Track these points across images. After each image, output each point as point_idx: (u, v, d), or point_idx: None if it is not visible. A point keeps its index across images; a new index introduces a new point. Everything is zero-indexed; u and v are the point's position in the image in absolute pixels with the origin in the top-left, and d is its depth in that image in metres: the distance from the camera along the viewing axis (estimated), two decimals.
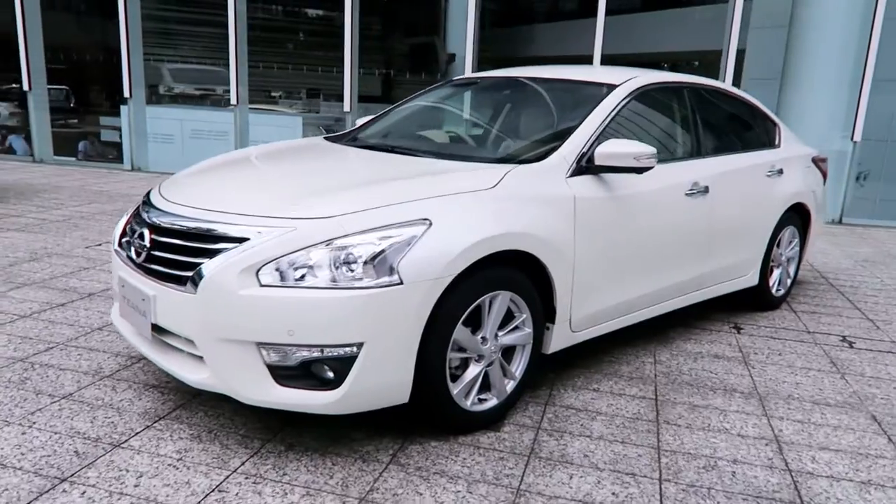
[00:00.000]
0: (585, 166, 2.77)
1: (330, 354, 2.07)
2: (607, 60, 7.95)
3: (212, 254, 2.15)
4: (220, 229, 2.19)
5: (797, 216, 4.22)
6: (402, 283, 2.09)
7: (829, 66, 7.74)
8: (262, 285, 2.07)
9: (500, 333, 2.47)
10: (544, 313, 2.64)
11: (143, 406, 2.52)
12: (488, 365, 2.45)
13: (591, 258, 2.75)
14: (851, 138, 7.69)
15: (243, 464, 2.18)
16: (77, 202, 6.62)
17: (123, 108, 9.49)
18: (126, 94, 9.19)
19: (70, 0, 13.78)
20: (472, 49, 8.31)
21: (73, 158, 10.41)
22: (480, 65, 9.62)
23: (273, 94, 12.10)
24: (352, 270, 2.07)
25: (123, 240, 2.56)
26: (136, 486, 2.02)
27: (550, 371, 3.07)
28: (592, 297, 2.82)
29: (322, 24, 13.33)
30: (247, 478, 2.10)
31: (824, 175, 4.61)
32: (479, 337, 2.39)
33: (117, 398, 2.57)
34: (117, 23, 8.88)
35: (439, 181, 2.42)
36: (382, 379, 2.13)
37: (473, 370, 2.40)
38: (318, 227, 2.13)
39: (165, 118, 9.67)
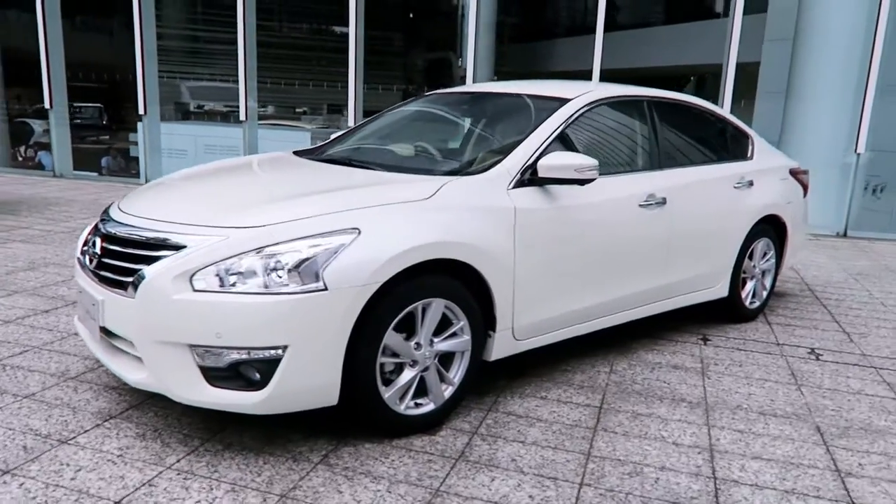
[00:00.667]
0: (529, 179, 2.84)
1: (256, 357, 2.17)
2: (628, 74, 7.97)
3: (152, 261, 2.27)
4: (161, 238, 2.32)
5: (772, 228, 4.22)
6: (326, 289, 2.19)
7: (833, 76, 7.68)
8: (194, 290, 2.18)
9: (436, 340, 2.55)
10: (485, 321, 2.71)
11: (99, 406, 2.65)
12: (424, 370, 2.53)
13: (534, 268, 2.81)
14: (855, 150, 7.60)
15: (178, 461, 2.29)
16: (86, 215, 6.88)
17: (140, 125, 9.82)
18: (141, 111, 9.52)
19: (103, 22, 14.25)
20: (472, 62, 8.43)
21: (94, 173, 10.78)
22: (499, 78, 9.79)
23: (285, 109, 12.38)
24: (279, 277, 2.18)
25: (84, 248, 2.70)
26: (72, 479, 2.14)
27: (502, 379, 3.13)
28: (536, 307, 2.88)
29: (334, 40, 13.59)
30: (178, 474, 2.21)
31: (805, 187, 4.60)
32: (413, 343, 2.47)
33: (76, 398, 2.71)
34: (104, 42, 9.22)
35: (375, 192, 2.52)
36: (308, 381, 2.23)
37: (407, 375, 2.48)
38: (250, 235, 2.24)
39: (179, 134, 9.98)
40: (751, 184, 4.00)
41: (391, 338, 2.39)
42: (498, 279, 2.67)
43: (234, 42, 8.98)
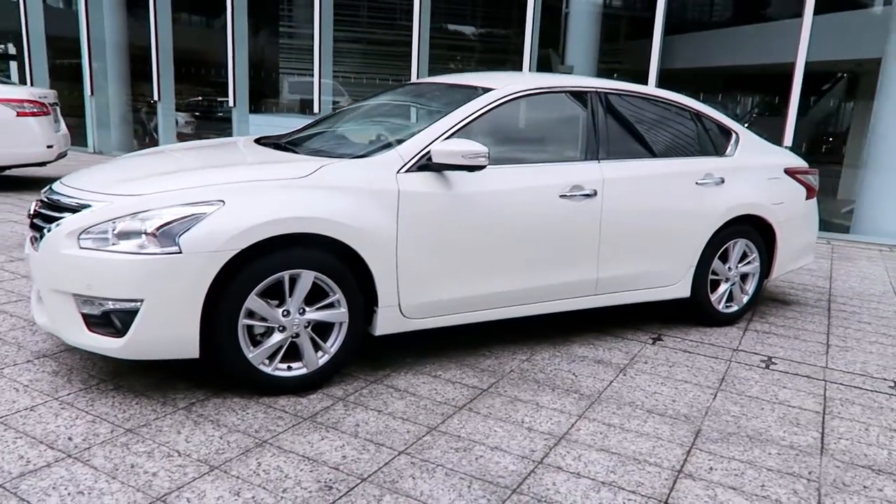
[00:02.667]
0: (426, 164, 2.95)
1: (118, 307, 2.48)
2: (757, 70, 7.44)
3: (58, 221, 2.65)
4: (67, 203, 2.69)
5: (753, 230, 3.98)
6: (181, 252, 2.45)
7: None
8: (80, 248, 2.53)
9: (309, 309, 2.75)
10: (369, 296, 2.86)
11: (42, 347, 3.10)
12: (294, 336, 2.73)
13: (422, 250, 2.92)
14: None
15: (68, 395, 2.65)
16: None
17: (232, 116, 10.73)
18: (231, 102, 10.39)
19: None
20: (529, 57, 8.43)
21: None
22: (600, 76, 9.73)
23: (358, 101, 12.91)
24: (143, 239, 2.47)
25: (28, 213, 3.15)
26: None
27: (411, 355, 3.26)
28: (427, 288, 2.98)
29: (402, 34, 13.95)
30: (60, 404, 2.57)
31: (808, 188, 4.27)
32: (282, 309, 2.68)
33: (28, 339, 3.18)
34: (267, 42, 10.04)
35: (256, 170, 2.75)
36: (164, 333, 2.50)
37: (276, 339, 2.70)
38: (129, 202, 2.55)
39: (265, 125, 10.77)
40: (721, 181, 3.81)
41: (254, 302, 2.61)
42: (377, 257, 2.81)
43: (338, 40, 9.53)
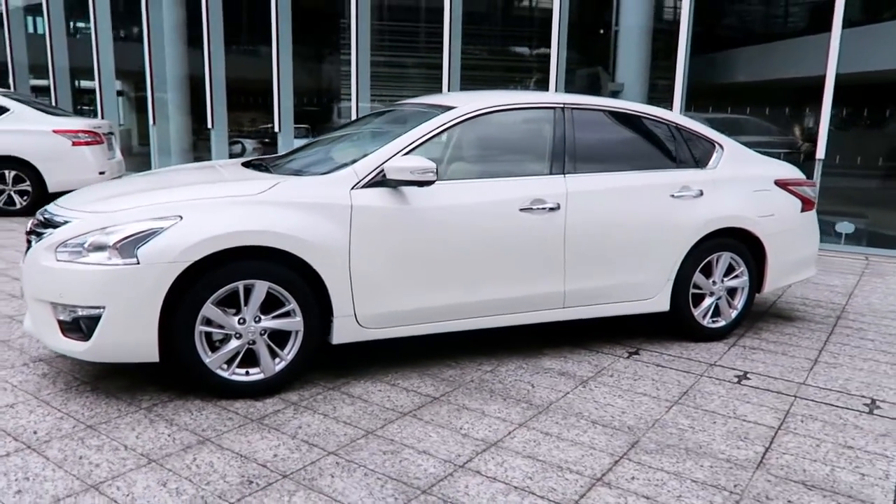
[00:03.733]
0: (381, 180, 3.10)
1: (84, 314, 2.73)
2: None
3: (41, 236, 2.94)
4: (53, 219, 2.98)
5: (740, 243, 3.91)
6: (138, 263, 2.68)
7: None
8: (57, 260, 2.80)
9: (265, 318, 2.92)
10: (326, 306, 3.02)
11: (39, 352, 3.41)
12: (251, 343, 2.91)
13: (376, 263, 3.05)
14: None
15: (48, 394, 2.92)
16: None
17: (278, 140, 11.23)
18: (276, 128, 10.89)
19: (309, 50, 16.25)
20: (556, 75, 8.49)
21: None
22: (651, 94, 9.72)
23: None
24: (106, 252, 2.72)
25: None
26: None
27: (376, 364, 3.38)
28: (383, 299, 3.11)
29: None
30: (38, 402, 2.83)
31: (803, 200, 4.16)
32: (238, 318, 2.87)
33: (29, 346, 3.49)
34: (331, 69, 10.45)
35: (216, 188, 2.97)
36: (124, 337, 2.73)
37: (232, 345, 2.89)
38: (98, 219, 2.81)
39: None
40: (700, 193, 3.77)
41: (211, 310, 2.81)
42: (330, 269, 2.97)
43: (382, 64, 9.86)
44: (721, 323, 3.98)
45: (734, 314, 4.01)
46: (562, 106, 3.61)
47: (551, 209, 3.38)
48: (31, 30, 16.21)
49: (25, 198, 7.70)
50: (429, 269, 3.18)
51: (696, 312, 3.89)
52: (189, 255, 2.72)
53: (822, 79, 7.02)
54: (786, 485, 2.39)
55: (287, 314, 2.96)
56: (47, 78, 14.29)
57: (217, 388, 2.92)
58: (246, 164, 3.81)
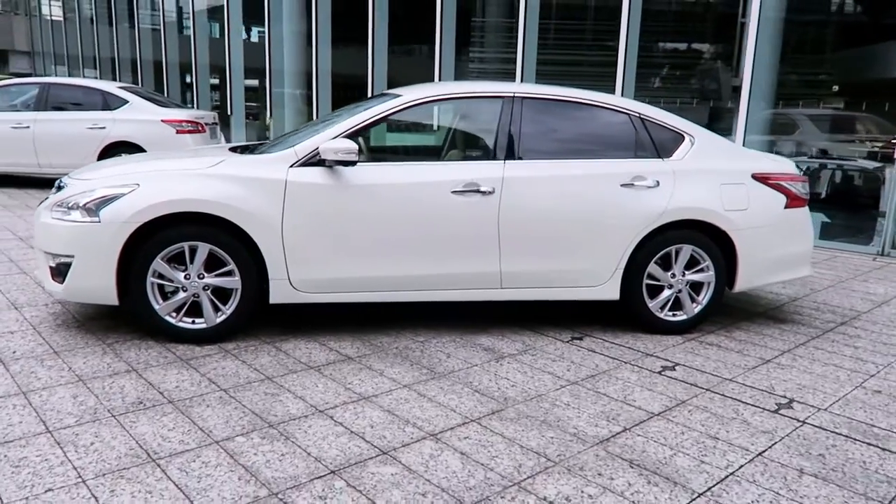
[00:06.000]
0: (318, 160, 3.45)
1: (62, 261, 3.34)
2: None
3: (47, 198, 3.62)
4: (60, 184, 3.65)
5: (705, 236, 3.81)
6: (100, 221, 3.24)
7: None
8: (52, 218, 3.45)
9: (208, 275, 3.39)
10: (262, 270, 3.43)
11: (56, 309, 4.13)
12: (195, 297, 3.39)
13: (307, 233, 3.41)
14: None
15: (45, 327, 3.58)
16: None
17: None
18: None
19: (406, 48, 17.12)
20: (624, 71, 8.33)
21: None
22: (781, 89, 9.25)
23: None
24: (79, 211, 3.31)
25: None
26: None
27: (323, 327, 3.74)
28: (315, 266, 3.45)
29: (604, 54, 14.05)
30: (33, 331, 3.50)
31: (790, 196, 3.95)
32: (184, 273, 3.36)
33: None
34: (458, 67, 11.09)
35: (175, 163, 3.48)
36: (89, 283, 3.31)
37: (180, 296, 3.38)
38: (81, 185, 3.43)
39: None
40: (657, 184, 3.73)
41: (160, 265, 3.32)
42: (264, 236, 3.37)
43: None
44: (682, 317, 3.90)
45: (697, 309, 3.91)
46: (512, 96, 3.74)
47: (485, 193, 3.55)
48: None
49: None
50: (359, 243, 3.49)
51: (652, 304, 3.85)
52: (140, 217, 3.25)
53: None
54: (611, 461, 2.44)
55: (228, 273, 3.40)
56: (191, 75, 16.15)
57: (164, 332, 3.43)
58: (233, 150, 4.33)
